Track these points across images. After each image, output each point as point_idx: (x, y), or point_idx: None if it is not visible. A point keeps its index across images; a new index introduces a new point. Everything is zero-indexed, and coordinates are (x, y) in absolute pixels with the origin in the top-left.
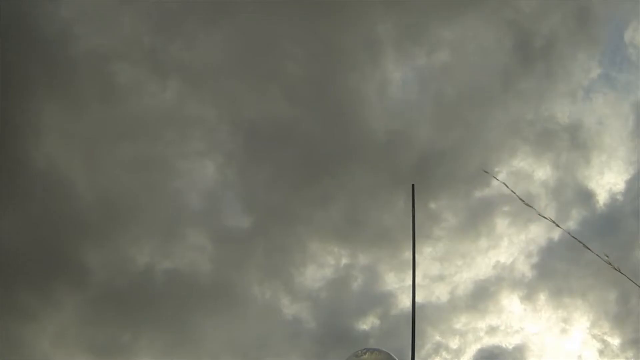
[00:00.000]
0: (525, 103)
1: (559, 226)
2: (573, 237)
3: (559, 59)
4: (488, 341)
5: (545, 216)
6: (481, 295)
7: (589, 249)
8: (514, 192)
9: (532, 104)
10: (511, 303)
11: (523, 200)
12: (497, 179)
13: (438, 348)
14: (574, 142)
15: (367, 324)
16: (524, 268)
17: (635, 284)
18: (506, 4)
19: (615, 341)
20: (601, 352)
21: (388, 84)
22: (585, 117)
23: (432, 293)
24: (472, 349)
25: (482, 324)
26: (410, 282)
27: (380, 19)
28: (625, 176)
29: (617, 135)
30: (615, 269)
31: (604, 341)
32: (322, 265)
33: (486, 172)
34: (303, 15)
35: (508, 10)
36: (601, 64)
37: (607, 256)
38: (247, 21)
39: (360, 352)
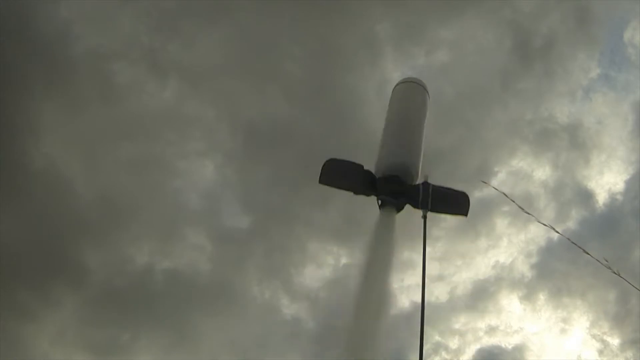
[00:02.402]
0: (524, 103)
1: (558, 232)
2: (573, 242)
3: (559, 58)
4: (487, 341)
5: (545, 223)
6: (480, 295)
7: (588, 254)
8: (513, 201)
9: (532, 104)
10: (510, 303)
11: (522, 209)
12: (495, 189)
13: (438, 348)
14: (574, 142)
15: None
16: (524, 268)
17: (635, 287)
18: (505, 4)
19: (614, 341)
20: (601, 352)
21: (387, 83)
22: (584, 117)
23: (431, 293)
24: (472, 349)
25: (481, 324)
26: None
27: (379, 19)
28: (625, 176)
29: (616, 135)
30: (615, 273)
31: (603, 341)
32: (321, 265)
33: (484, 183)
34: (303, 15)
35: (507, 9)
36: (600, 63)
37: (607, 260)
38: (247, 21)
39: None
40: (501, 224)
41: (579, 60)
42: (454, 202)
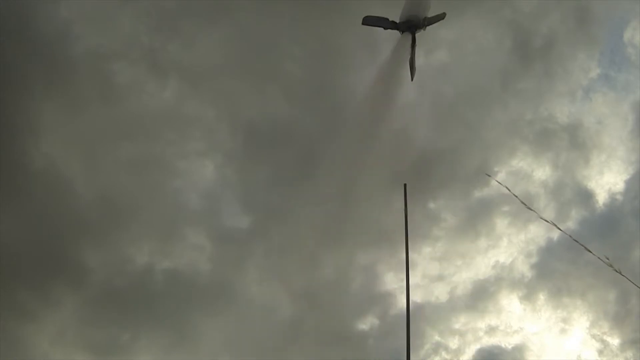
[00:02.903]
0: (524, 103)
1: (560, 229)
2: (575, 240)
3: (558, 58)
4: (487, 341)
5: (547, 219)
6: (480, 295)
7: (590, 251)
8: (516, 196)
9: (532, 104)
10: (510, 303)
11: (525, 204)
12: (499, 183)
13: (437, 348)
14: (574, 142)
15: (366, 323)
16: (524, 268)
17: (636, 285)
18: (505, 4)
19: (614, 341)
20: (600, 352)
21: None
22: (584, 116)
23: (431, 293)
24: (472, 349)
25: (481, 324)
26: (410, 283)
27: None
28: (625, 176)
29: (616, 135)
30: (616, 271)
31: (603, 341)
32: (320, 266)
33: (488, 175)
34: (303, 15)
35: (507, 9)
36: (600, 63)
37: (608, 258)
38: (247, 21)
39: None
40: (501, 224)
41: (579, 60)
42: (437, 18)
